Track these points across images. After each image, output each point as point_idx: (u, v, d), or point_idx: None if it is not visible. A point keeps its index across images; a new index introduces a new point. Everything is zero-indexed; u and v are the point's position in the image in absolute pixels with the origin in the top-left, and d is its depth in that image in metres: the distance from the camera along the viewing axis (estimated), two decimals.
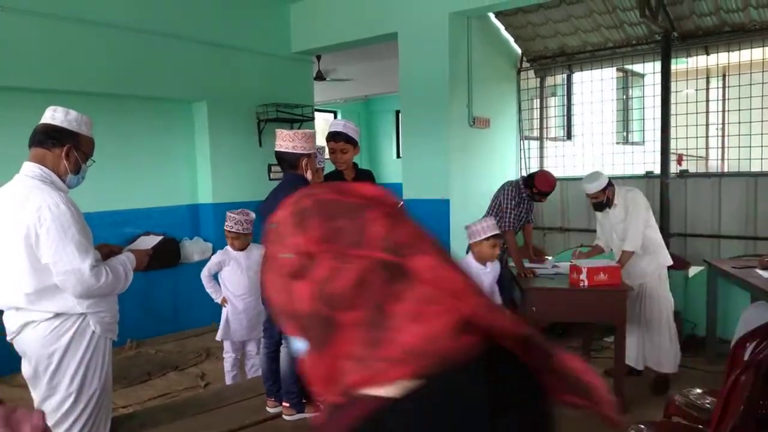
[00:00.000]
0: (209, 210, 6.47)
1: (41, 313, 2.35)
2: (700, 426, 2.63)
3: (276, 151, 2.87)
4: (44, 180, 2.35)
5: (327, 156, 3.41)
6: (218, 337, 4.08)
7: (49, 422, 2.38)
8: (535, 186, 4.61)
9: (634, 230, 4.27)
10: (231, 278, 4.00)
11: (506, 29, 6.53)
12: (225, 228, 3.95)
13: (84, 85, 5.33)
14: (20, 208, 2.28)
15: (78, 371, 2.40)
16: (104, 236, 2.62)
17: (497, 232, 3.37)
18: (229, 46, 6.46)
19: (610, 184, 4.37)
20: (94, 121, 2.53)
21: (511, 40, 6.67)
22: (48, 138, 2.38)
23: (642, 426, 2.63)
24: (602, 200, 4.39)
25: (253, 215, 3.93)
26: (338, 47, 6.98)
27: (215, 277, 4.08)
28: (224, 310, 4.04)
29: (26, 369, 2.44)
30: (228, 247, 4.03)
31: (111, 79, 5.55)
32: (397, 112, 13.35)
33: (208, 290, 4.06)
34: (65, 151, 2.39)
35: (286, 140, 2.80)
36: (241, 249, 3.97)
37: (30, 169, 2.37)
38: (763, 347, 2.34)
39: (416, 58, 6.00)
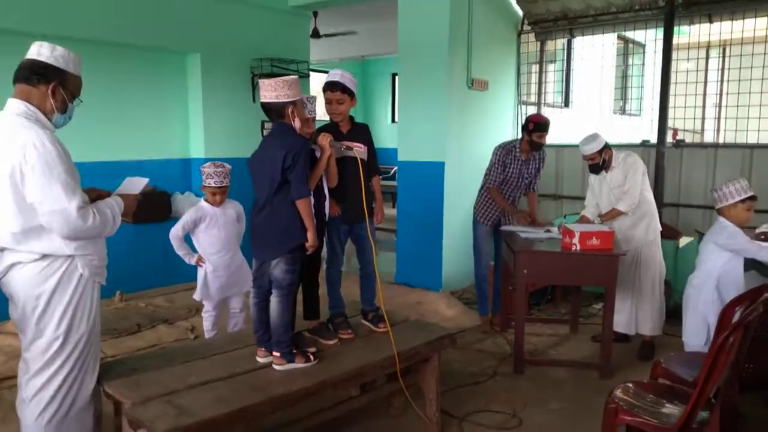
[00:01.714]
0: (201, 164, 6.37)
1: (28, 254, 2.31)
2: (685, 387, 2.66)
3: (262, 103, 2.80)
4: (29, 117, 2.28)
5: (317, 108, 3.29)
6: (196, 297, 3.92)
7: (36, 365, 2.38)
8: (531, 122, 4.60)
9: (631, 193, 4.28)
10: (207, 236, 3.79)
11: None
12: (206, 185, 3.73)
13: (74, 31, 5.18)
14: (5, 145, 2.22)
15: (65, 314, 2.38)
16: (93, 186, 2.57)
17: (751, 193, 3.17)
18: None
19: (607, 146, 4.35)
20: (85, 69, 2.45)
21: (513, 1, 6.53)
22: (33, 74, 2.30)
23: (629, 385, 2.65)
24: (598, 162, 4.38)
25: (229, 166, 3.81)
26: (336, 2, 6.82)
27: (186, 238, 3.82)
28: (200, 270, 3.84)
29: (13, 311, 2.41)
30: (202, 204, 3.81)
31: (103, 25, 5.40)
32: (394, 75, 13.18)
33: (180, 252, 3.77)
34: (51, 89, 2.32)
35: (269, 90, 2.73)
36: (220, 204, 3.80)
37: (15, 106, 2.30)
38: (752, 310, 2.34)
39: (416, 16, 5.87)
